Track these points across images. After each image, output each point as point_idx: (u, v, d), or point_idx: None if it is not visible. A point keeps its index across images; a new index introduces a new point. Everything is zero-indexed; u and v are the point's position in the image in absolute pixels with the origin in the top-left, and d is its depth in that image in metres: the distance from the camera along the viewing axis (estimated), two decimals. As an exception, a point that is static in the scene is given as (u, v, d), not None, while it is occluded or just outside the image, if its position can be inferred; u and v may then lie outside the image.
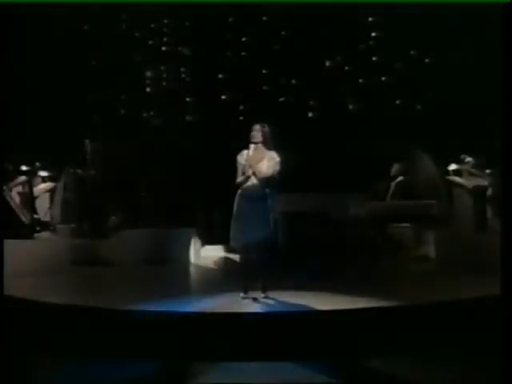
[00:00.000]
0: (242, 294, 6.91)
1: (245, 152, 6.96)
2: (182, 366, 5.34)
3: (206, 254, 11.34)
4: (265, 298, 6.85)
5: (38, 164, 11.10)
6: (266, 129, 6.96)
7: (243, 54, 13.82)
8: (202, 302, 6.75)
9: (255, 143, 6.90)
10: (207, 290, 7.82)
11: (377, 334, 5.53)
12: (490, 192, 9.43)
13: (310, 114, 13.87)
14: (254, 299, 6.80)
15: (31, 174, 10.43)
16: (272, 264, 7.08)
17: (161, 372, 5.29)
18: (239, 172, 6.94)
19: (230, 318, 5.86)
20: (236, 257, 7.35)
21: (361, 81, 13.64)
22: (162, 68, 13.99)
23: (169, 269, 9.62)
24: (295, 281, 8.10)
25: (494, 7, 7.46)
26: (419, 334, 5.54)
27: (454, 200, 10.33)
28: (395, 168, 11.35)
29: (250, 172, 6.83)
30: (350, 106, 13.77)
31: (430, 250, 10.18)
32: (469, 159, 10.23)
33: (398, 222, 10.84)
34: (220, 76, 13.90)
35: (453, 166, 10.32)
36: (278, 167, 6.88)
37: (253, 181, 6.86)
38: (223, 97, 13.90)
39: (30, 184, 10.05)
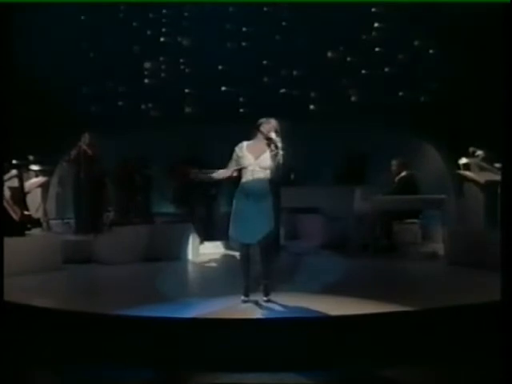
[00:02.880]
0: (242, 297, 6.55)
1: (244, 144, 6.58)
2: (177, 375, 5.10)
3: (205, 251, 10.92)
4: (267, 301, 6.49)
5: (31, 157, 10.77)
6: (278, 125, 6.56)
7: (243, 44, 13.47)
8: (201, 306, 6.40)
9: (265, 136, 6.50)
10: (206, 292, 7.44)
11: (387, 341, 5.27)
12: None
13: (312, 106, 13.58)
14: (256, 303, 6.46)
15: (22, 167, 10.05)
16: (274, 264, 6.78)
17: (155, 381, 5.07)
18: (233, 164, 6.56)
19: (229, 324, 5.58)
20: (237, 254, 6.96)
21: (364, 72, 13.31)
22: (161, 59, 13.68)
23: (165, 267, 9.19)
24: (298, 282, 7.79)
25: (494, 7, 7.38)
26: (429, 340, 5.32)
27: (464, 195, 9.98)
28: (398, 162, 10.91)
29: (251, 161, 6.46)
30: (353, 98, 13.47)
31: (439, 248, 9.81)
32: (479, 152, 9.84)
33: (404, 217, 10.43)
34: (220, 67, 13.56)
35: (463, 160, 9.93)
36: (281, 160, 6.48)
37: (254, 176, 6.48)
38: (223, 88, 13.61)
39: (21, 178, 9.66)
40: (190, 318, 5.82)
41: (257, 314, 6.06)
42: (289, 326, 5.56)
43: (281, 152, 6.44)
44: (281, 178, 6.74)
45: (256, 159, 6.48)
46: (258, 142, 6.54)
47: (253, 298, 6.55)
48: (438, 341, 5.33)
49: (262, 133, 6.52)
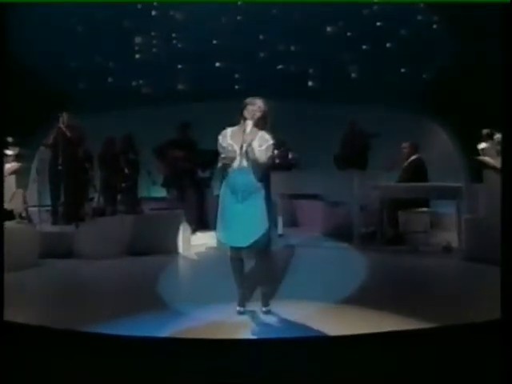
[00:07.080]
0: (237, 308, 5.75)
1: (228, 131, 5.61)
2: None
3: (197, 243, 10.10)
4: (266, 312, 5.70)
5: (10, 139, 10.00)
6: (266, 106, 5.62)
7: (239, 18, 12.94)
8: (190, 317, 5.69)
9: (251, 119, 5.53)
10: (198, 294, 6.73)
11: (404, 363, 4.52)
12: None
13: (310, 83, 13.25)
14: (253, 315, 5.69)
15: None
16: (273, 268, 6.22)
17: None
18: (223, 157, 5.58)
19: (220, 345, 4.83)
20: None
21: (365, 47, 12.88)
22: (152, 33, 13.14)
23: (153, 264, 8.45)
24: (300, 284, 6.99)
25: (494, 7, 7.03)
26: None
27: (484, 182, 9.24)
28: (409, 144, 10.13)
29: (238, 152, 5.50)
30: (354, 75, 13.08)
31: (452, 239, 9.10)
32: (497, 135, 9.05)
33: (414, 205, 9.63)
34: (214, 42, 13.07)
35: (482, 145, 9.18)
36: (270, 152, 5.56)
37: (242, 169, 5.53)
38: (217, 64, 13.22)
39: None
40: (171, 338, 5.11)
41: (253, 330, 5.32)
42: (291, 346, 4.85)
43: (270, 142, 5.55)
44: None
45: (242, 149, 5.53)
46: (247, 127, 5.56)
47: (250, 307, 5.82)
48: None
49: (244, 118, 5.57)
